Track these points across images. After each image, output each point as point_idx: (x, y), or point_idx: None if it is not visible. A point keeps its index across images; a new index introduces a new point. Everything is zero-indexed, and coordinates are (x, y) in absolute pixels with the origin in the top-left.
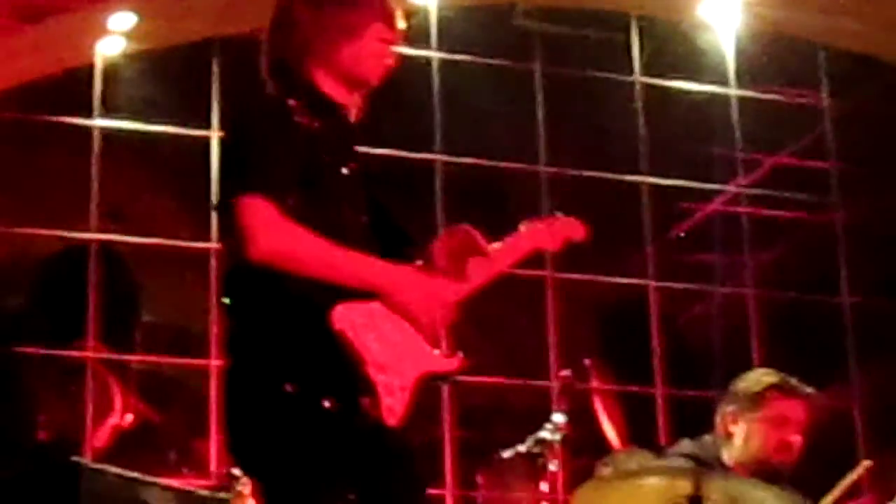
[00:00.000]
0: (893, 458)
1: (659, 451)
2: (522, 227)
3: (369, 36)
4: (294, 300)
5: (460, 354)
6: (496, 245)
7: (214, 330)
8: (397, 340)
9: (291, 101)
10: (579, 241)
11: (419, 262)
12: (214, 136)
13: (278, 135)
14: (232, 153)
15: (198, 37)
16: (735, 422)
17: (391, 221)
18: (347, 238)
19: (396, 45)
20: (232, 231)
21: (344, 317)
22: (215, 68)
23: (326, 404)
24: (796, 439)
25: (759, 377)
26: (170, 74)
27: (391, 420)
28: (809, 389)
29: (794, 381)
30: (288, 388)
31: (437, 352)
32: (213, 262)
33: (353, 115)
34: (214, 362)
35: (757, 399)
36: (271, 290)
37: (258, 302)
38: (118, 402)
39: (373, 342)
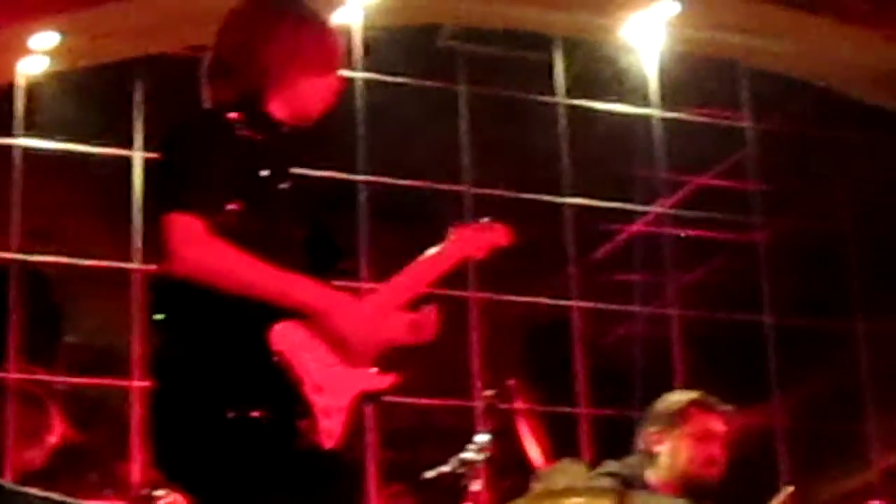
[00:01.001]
0: (812, 472)
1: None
2: (451, 234)
3: (327, 80)
4: (231, 318)
5: (393, 373)
6: (425, 255)
7: (137, 350)
8: (334, 360)
9: (232, 114)
10: (505, 247)
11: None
12: (137, 155)
13: (214, 150)
14: (164, 170)
15: (120, 56)
16: (660, 441)
17: (327, 237)
18: (284, 252)
19: (338, 90)
20: (161, 247)
21: (283, 336)
22: (138, 88)
23: (263, 427)
24: (720, 453)
25: (678, 396)
26: (93, 94)
27: (328, 443)
28: (727, 407)
29: (712, 398)
30: (224, 409)
31: (371, 370)
32: (135, 283)
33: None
34: (137, 383)
35: (679, 416)
36: (207, 308)
37: (193, 319)
38: (56, 423)
39: (311, 362)
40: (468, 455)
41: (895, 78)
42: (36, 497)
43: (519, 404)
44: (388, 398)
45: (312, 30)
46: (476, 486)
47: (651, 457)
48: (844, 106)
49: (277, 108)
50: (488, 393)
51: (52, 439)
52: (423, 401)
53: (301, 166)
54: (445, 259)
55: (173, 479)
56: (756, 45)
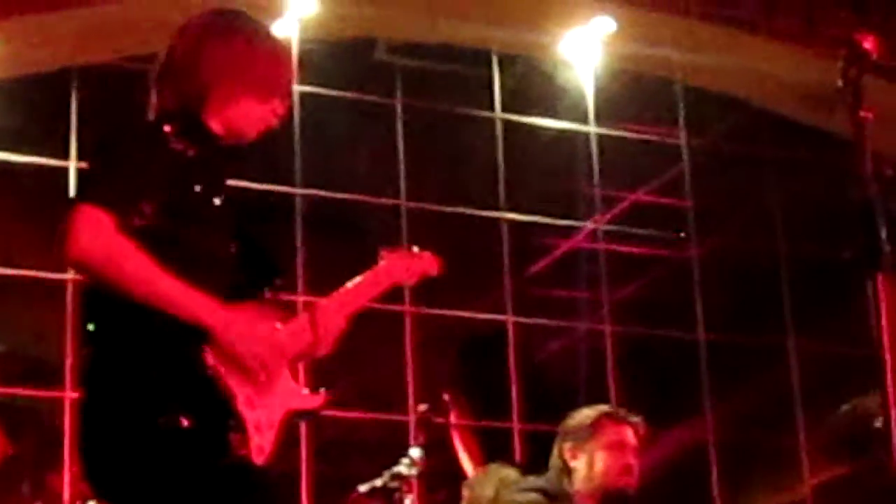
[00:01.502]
0: (744, 487)
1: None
2: (382, 257)
3: (268, 105)
4: (166, 331)
5: (324, 391)
6: (355, 280)
7: (69, 361)
8: (266, 378)
9: (167, 127)
10: (434, 276)
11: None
12: (72, 165)
13: (136, 154)
14: (86, 171)
15: (56, 65)
16: (575, 456)
17: (261, 252)
18: (214, 266)
19: (281, 114)
20: (60, 234)
21: (217, 351)
22: (74, 97)
23: (193, 439)
24: (634, 462)
25: (589, 411)
26: (28, 103)
27: (259, 458)
28: (636, 417)
29: (622, 409)
30: (153, 420)
31: (304, 390)
32: (68, 293)
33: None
34: (69, 393)
35: (592, 429)
36: (139, 319)
37: (125, 330)
38: None
39: (244, 378)
40: (401, 469)
41: (826, 96)
42: None
43: (453, 418)
44: (319, 414)
45: (260, 51)
46: (408, 499)
47: (569, 471)
48: (778, 124)
49: (215, 124)
50: (422, 407)
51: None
52: (356, 414)
53: (236, 180)
54: (374, 285)
55: (101, 493)
56: (691, 62)
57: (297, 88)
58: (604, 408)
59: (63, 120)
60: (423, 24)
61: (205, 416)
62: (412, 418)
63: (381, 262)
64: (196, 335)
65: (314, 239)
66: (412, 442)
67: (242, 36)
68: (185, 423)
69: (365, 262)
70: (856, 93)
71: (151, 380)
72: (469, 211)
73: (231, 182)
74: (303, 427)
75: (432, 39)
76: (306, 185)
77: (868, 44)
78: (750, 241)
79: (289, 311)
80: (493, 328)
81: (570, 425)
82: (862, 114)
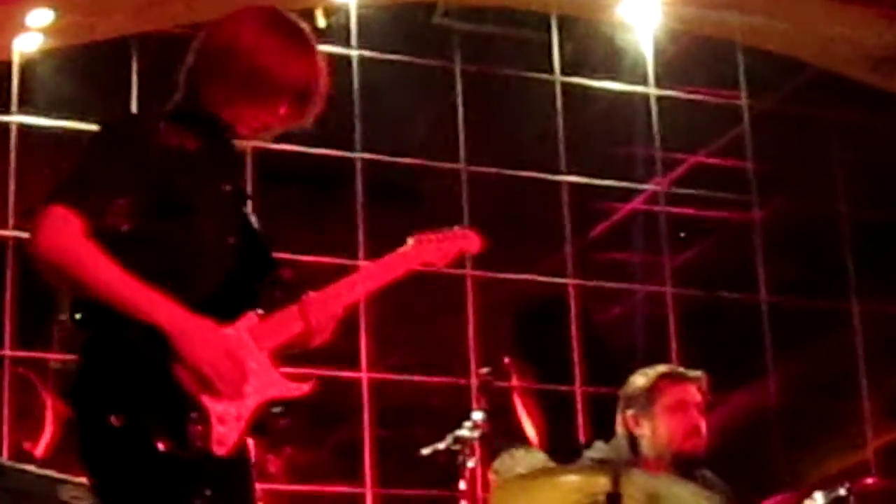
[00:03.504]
0: (807, 450)
1: (575, 451)
2: (410, 241)
3: (272, 110)
4: (135, 330)
5: (312, 381)
6: (379, 261)
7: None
8: (249, 369)
9: (162, 123)
10: (474, 253)
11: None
12: None
13: (112, 154)
14: (67, 171)
15: (116, 34)
16: (637, 423)
17: (262, 246)
18: (203, 259)
19: (303, 119)
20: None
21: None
22: (134, 65)
23: (154, 432)
24: (700, 421)
25: (644, 374)
26: (88, 71)
27: (220, 449)
28: (697, 373)
29: (681, 369)
30: (112, 414)
31: (285, 378)
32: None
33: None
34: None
35: (651, 393)
36: (112, 318)
37: (101, 321)
38: (49, 405)
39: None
40: (463, 432)
41: (890, 57)
42: (33, 474)
43: (514, 382)
44: (383, 377)
45: (264, 53)
46: (471, 462)
47: (634, 438)
48: (841, 86)
49: (227, 118)
50: (484, 371)
51: (50, 426)
52: (420, 379)
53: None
54: (397, 266)
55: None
56: (752, 23)
57: (355, 53)
58: (661, 368)
59: (123, 87)
60: None
61: (164, 409)
62: (474, 382)
63: (406, 246)
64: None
65: (374, 204)
66: (474, 406)
67: (277, 42)
68: (144, 415)
69: (424, 227)
70: None
71: (115, 375)
72: (529, 174)
73: (291, 147)
74: (365, 392)
75: (490, 2)
76: (366, 150)
77: None
78: (812, 204)
79: (290, 297)
80: (553, 292)
81: (629, 391)
82: None
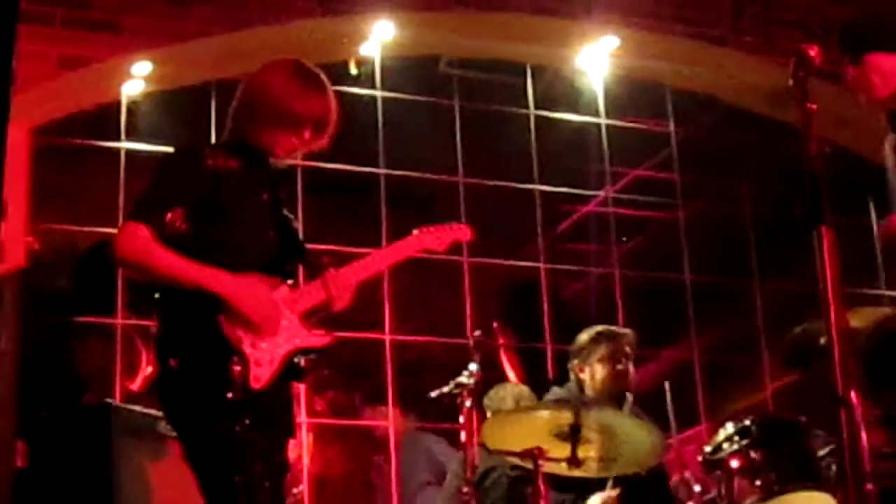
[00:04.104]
0: (720, 393)
1: (547, 391)
2: (415, 231)
3: (298, 135)
4: (195, 297)
5: (331, 335)
6: (389, 245)
7: None
8: (281, 325)
9: (207, 149)
10: (467, 242)
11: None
12: None
13: (165, 177)
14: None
15: (200, 81)
16: (581, 370)
17: (294, 238)
18: (249, 249)
19: (322, 142)
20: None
21: (230, 311)
22: (213, 104)
23: (202, 372)
24: (628, 368)
25: (587, 331)
26: (178, 109)
27: (256, 384)
28: (626, 331)
29: (613, 327)
30: (173, 359)
31: (311, 331)
32: None
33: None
34: None
35: (590, 346)
36: (177, 294)
37: (171, 296)
38: (145, 359)
39: (250, 327)
40: (462, 379)
41: (781, 94)
42: (138, 413)
43: (501, 341)
44: (403, 338)
45: (288, 94)
46: (468, 402)
47: (580, 382)
48: (746, 117)
49: (264, 144)
50: (477, 333)
51: (147, 371)
52: (428, 339)
53: (280, 189)
54: (402, 251)
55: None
56: (677, 70)
57: (379, 94)
58: (598, 328)
59: (205, 122)
60: (475, 45)
61: (216, 355)
62: (470, 342)
63: (411, 236)
64: (214, 302)
65: (395, 209)
66: (470, 360)
67: (298, 85)
68: (202, 360)
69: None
70: (803, 91)
71: (177, 333)
72: (510, 184)
73: (331, 166)
74: (387, 351)
75: (482, 56)
76: (388, 167)
77: (812, 53)
78: (724, 207)
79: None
80: (530, 274)
81: (575, 346)
82: (808, 106)
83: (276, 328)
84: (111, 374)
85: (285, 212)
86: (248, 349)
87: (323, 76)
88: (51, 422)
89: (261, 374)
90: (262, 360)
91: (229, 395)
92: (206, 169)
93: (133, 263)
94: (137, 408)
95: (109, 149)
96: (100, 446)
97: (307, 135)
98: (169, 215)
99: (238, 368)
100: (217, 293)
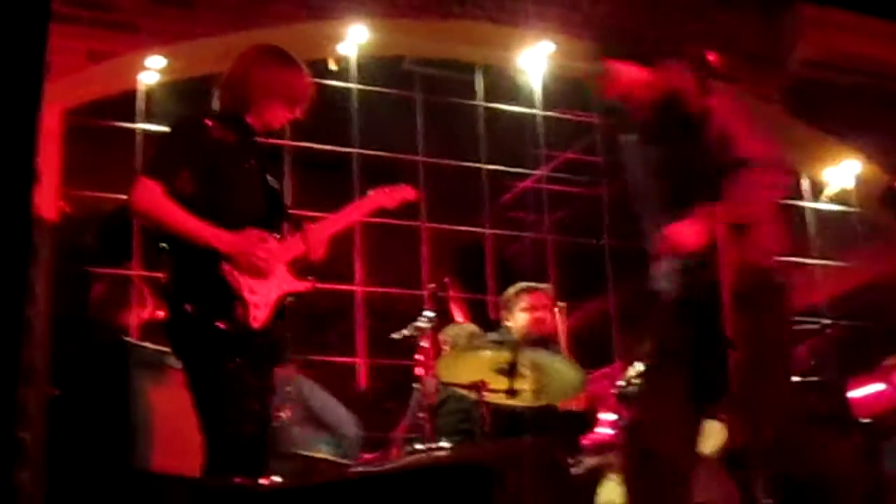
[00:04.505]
0: (631, 338)
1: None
2: (370, 192)
3: (290, 110)
4: (201, 252)
5: (311, 280)
6: (352, 203)
7: None
8: (270, 274)
9: (209, 121)
10: (412, 201)
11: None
12: None
13: (178, 142)
14: (150, 154)
15: (204, 72)
16: (507, 318)
17: (278, 200)
18: (242, 209)
19: (300, 114)
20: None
21: (231, 262)
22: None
23: (213, 314)
24: (546, 317)
25: (513, 287)
26: (187, 96)
27: (255, 324)
28: (546, 286)
29: (533, 283)
30: (189, 304)
31: (295, 279)
32: None
33: (260, 133)
34: None
35: (514, 298)
36: (184, 245)
37: (180, 249)
38: (150, 303)
39: (248, 276)
40: (419, 324)
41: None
42: (151, 349)
43: (451, 294)
44: (371, 289)
45: (288, 76)
46: (424, 343)
47: (507, 327)
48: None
49: (253, 121)
50: (432, 286)
51: (146, 313)
52: (392, 290)
53: (267, 160)
54: (364, 207)
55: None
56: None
57: (353, 86)
58: (521, 284)
59: (208, 109)
60: (434, 47)
61: (221, 300)
62: (426, 293)
63: (367, 195)
64: (216, 255)
65: (365, 183)
66: (426, 308)
67: (276, 65)
68: (210, 304)
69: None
70: (703, 87)
71: (187, 281)
72: (462, 163)
73: (310, 145)
74: (358, 300)
75: (439, 56)
76: (361, 147)
77: (711, 58)
78: None
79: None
80: (477, 238)
81: (503, 298)
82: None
83: (269, 275)
84: (127, 317)
85: (269, 178)
86: (247, 294)
87: (297, 58)
88: (77, 356)
89: (259, 315)
90: (259, 303)
91: (233, 333)
92: (209, 138)
93: (144, 213)
94: (149, 344)
95: (129, 129)
96: (118, 376)
97: (287, 109)
98: (178, 176)
99: (241, 311)
100: (218, 248)
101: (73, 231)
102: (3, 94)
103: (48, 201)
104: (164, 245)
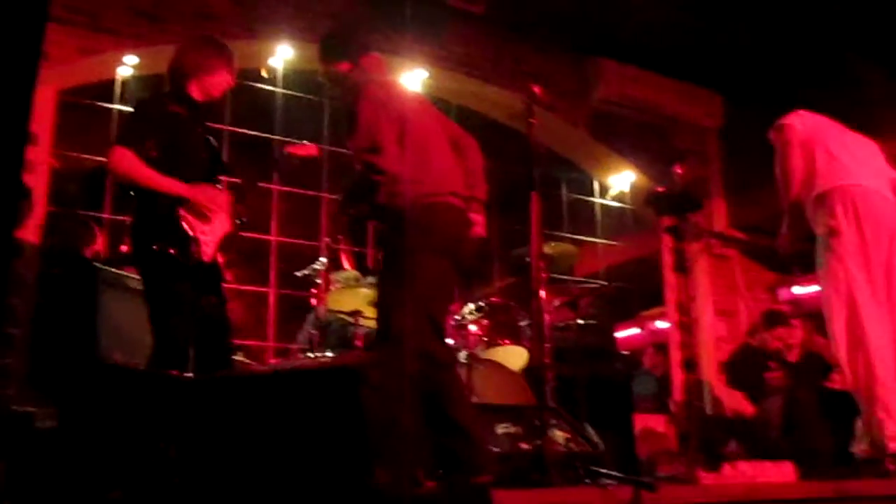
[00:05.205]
0: (469, 286)
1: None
2: (287, 147)
3: (221, 78)
4: (161, 201)
5: (238, 222)
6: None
7: None
8: (217, 220)
9: (166, 98)
10: (314, 157)
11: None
12: None
13: (144, 115)
14: (121, 126)
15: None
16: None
17: (218, 157)
18: (194, 168)
19: (233, 85)
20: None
21: (187, 208)
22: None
23: (171, 250)
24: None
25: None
26: (154, 87)
27: (205, 258)
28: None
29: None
30: (155, 244)
31: (229, 224)
32: None
33: (205, 107)
34: None
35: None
36: (148, 194)
37: (144, 199)
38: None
39: (201, 219)
40: (316, 266)
41: (518, 115)
42: (114, 272)
43: (342, 246)
44: (284, 239)
45: (216, 53)
46: (319, 280)
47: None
48: (497, 125)
49: (194, 93)
50: (326, 239)
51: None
52: (297, 241)
53: (210, 125)
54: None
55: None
56: (461, 93)
57: (279, 90)
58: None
59: None
60: None
61: (179, 239)
62: (322, 245)
63: (285, 149)
64: (176, 201)
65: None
66: (321, 255)
67: (207, 48)
68: (168, 243)
69: None
70: (529, 111)
71: (153, 223)
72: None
73: (242, 131)
74: (273, 249)
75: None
76: (281, 136)
77: (537, 90)
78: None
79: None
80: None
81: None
82: (531, 120)
83: (214, 219)
84: (98, 247)
85: (210, 139)
86: (199, 234)
87: (226, 44)
88: (60, 275)
89: (207, 251)
90: (208, 241)
91: (185, 263)
92: (167, 112)
93: (123, 174)
94: (113, 269)
95: (107, 108)
96: (88, 291)
97: (230, 78)
98: (144, 144)
99: (194, 248)
100: (185, 196)
101: (60, 181)
102: (5, 75)
103: (43, 157)
104: (132, 195)
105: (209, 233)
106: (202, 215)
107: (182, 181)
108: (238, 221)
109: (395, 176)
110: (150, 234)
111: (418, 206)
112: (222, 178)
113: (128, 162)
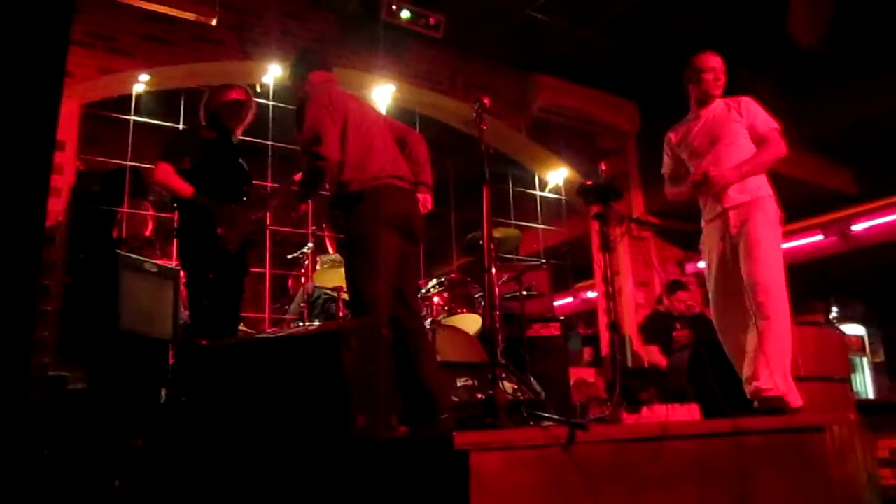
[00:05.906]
0: (431, 266)
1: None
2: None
3: (245, 118)
4: (198, 208)
5: (256, 231)
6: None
7: None
8: (243, 222)
9: (202, 125)
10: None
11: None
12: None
13: (182, 138)
14: (165, 145)
15: (176, 87)
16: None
17: (244, 174)
18: (223, 183)
19: (249, 119)
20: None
21: (220, 216)
22: (182, 99)
23: (216, 245)
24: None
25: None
26: (165, 100)
27: (234, 246)
28: None
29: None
30: (195, 239)
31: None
32: None
33: (234, 134)
34: None
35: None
36: (188, 204)
37: (184, 207)
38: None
39: (230, 225)
40: (304, 250)
41: (471, 119)
42: (134, 258)
43: (326, 232)
44: (280, 228)
45: (235, 95)
46: (307, 261)
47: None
48: (452, 130)
49: (231, 125)
50: (313, 228)
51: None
52: (289, 229)
53: (236, 149)
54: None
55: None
56: (418, 101)
57: (270, 103)
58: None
59: (177, 109)
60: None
61: (209, 236)
62: (309, 232)
63: (288, 180)
64: (208, 212)
65: (279, 165)
66: (309, 241)
67: (228, 91)
68: (206, 238)
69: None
70: (480, 118)
71: (191, 225)
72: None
73: (246, 138)
74: (268, 236)
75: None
76: (274, 141)
77: (486, 100)
78: (438, 174)
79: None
80: None
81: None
82: (481, 126)
83: (237, 223)
84: (120, 236)
85: (240, 160)
86: (228, 234)
87: (248, 88)
88: (86, 260)
89: (235, 244)
90: (236, 238)
91: (223, 255)
92: (201, 137)
93: (162, 186)
94: (133, 255)
95: (124, 119)
96: (111, 273)
97: (241, 120)
98: (182, 161)
99: (227, 240)
100: (210, 210)
101: (84, 181)
102: (35, 91)
103: (69, 160)
104: (175, 204)
105: (238, 233)
106: (230, 221)
107: (209, 193)
108: (256, 231)
109: (338, 162)
110: (188, 232)
111: (367, 189)
112: (247, 190)
113: (166, 175)
